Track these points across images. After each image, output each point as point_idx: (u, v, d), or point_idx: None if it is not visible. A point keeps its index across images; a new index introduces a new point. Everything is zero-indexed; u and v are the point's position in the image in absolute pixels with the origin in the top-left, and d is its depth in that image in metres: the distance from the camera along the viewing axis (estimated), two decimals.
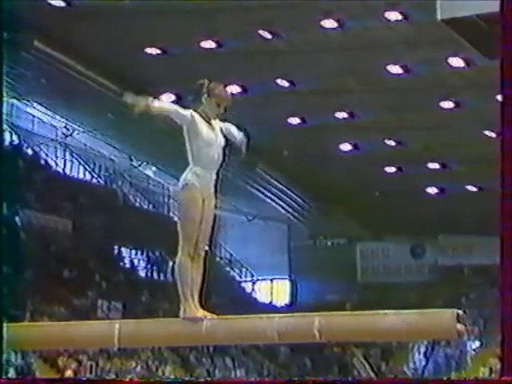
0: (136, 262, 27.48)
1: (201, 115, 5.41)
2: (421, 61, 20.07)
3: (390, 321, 4.57)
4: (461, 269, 29.03)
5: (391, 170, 27.11)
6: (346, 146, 25.58)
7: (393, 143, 25.29)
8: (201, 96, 5.46)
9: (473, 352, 24.99)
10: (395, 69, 20.88)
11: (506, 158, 4.47)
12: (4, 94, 25.16)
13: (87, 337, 5.45)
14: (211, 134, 5.39)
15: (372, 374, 25.31)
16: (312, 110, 23.30)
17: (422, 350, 26.09)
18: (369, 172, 26.31)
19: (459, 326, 4.50)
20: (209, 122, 5.43)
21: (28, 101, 25.85)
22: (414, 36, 19.05)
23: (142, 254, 27.74)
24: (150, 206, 31.31)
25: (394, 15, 18.62)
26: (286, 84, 22.23)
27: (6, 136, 26.76)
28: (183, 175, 5.37)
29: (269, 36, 20.06)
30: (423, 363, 26.06)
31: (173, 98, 23.71)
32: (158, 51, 21.19)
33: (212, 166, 5.38)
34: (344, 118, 23.72)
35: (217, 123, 5.49)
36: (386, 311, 4.68)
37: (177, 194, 5.47)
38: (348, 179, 26.84)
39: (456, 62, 19.57)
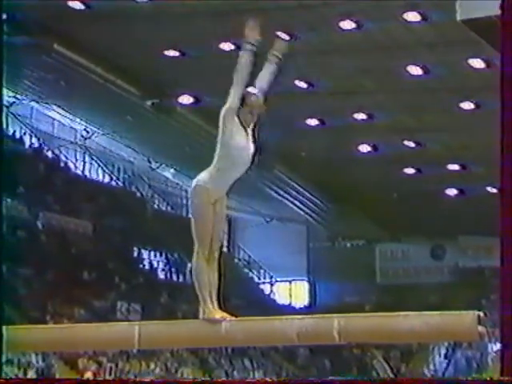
0: (155, 263, 27.56)
1: (239, 120, 5.44)
2: (440, 62, 19.98)
3: (411, 322, 4.55)
4: (481, 270, 28.86)
5: (410, 171, 27.01)
6: (364, 147, 25.52)
7: (412, 144, 25.19)
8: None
9: (494, 354, 24.85)
10: (414, 70, 20.79)
11: (505, 160, 4.46)
12: (25, 97, 25.38)
13: (107, 338, 5.47)
14: (243, 141, 5.40)
15: (392, 376, 25.22)
16: (330, 111, 23.26)
17: (443, 351, 25.95)
18: (388, 173, 26.22)
19: (480, 328, 4.47)
20: (244, 129, 5.46)
21: (48, 104, 26.01)
22: (433, 37, 18.97)
23: (161, 255, 27.83)
24: (169, 208, 31.40)
25: (412, 16, 18.55)
26: (304, 85, 22.22)
27: (26, 139, 26.97)
28: (198, 174, 5.41)
29: (287, 37, 20.04)
30: (444, 365, 25.93)
31: (191, 100, 23.79)
32: (177, 53, 21.25)
33: (235, 170, 5.38)
34: (363, 120, 23.66)
35: (250, 130, 5.53)
36: (406, 313, 4.66)
37: (189, 194, 5.51)
38: (367, 180, 26.76)
39: (476, 63, 19.46)
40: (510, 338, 4.31)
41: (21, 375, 16.54)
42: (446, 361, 25.98)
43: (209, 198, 5.30)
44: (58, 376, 17.24)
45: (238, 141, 5.32)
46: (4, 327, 5.26)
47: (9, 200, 22.95)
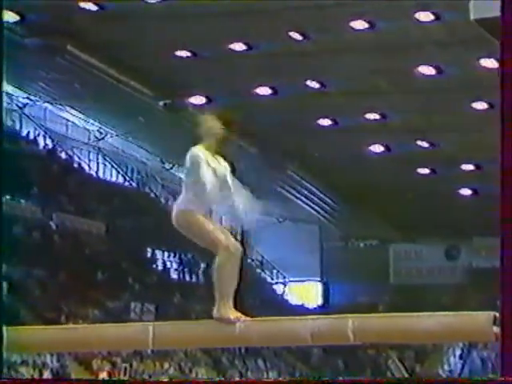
0: (168, 264, 27.61)
1: (206, 154, 5.37)
2: (453, 61, 19.91)
3: (426, 323, 4.54)
4: (495, 271, 28.59)
5: (424, 171, 26.92)
6: (377, 147, 25.47)
7: (425, 144, 25.12)
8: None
9: None
10: (427, 69, 20.74)
11: (505, 163, 4.45)
12: (38, 99, 25.49)
13: (122, 339, 5.49)
14: (213, 172, 5.30)
15: (407, 377, 25.15)
16: (343, 111, 23.23)
17: (458, 352, 25.84)
18: (401, 173, 26.15)
19: (495, 329, 4.46)
20: (212, 155, 5.40)
21: (62, 105, 26.12)
22: (446, 36, 18.91)
23: (175, 256, 27.87)
24: None
25: (425, 16, 18.50)
26: (316, 85, 22.20)
27: (40, 140, 27.09)
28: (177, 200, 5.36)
29: (299, 37, 20.05)
30: (459, 366, 25.81)
31: (204, 100, 23.83)
32: (189, 54, 21.29)
33: (213, 193, 5.28)
34: (375, 120, 23.61)
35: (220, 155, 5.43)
36: (421, 313, 4.66)
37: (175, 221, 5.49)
38: (380, 180, 26.70)
39: (489, 62, 19.38)
40: (510, 338, 4.30)
41: (36, 376, 16.63)
42: (461, 361, 25.85)
43: (197, 215, 5.25)
44: (73, 376, 17.31)
45: (207, 176, 5.22)
46: (18, 328, 5.29)
47: (23, 201, 23.06)
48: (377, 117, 23.46)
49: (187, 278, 27.68)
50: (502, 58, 4.49)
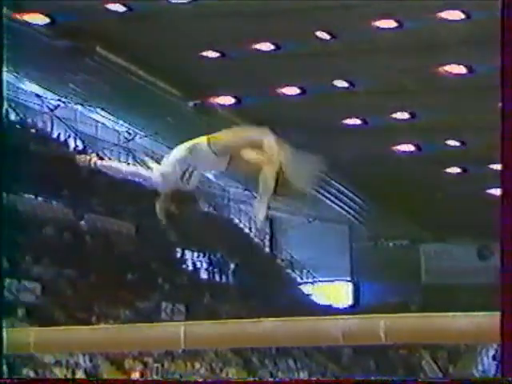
0: (198, 264, 27.70)
1: None
2: (482, 60, 19.74)
3: (459, 323, 4.51)
4: None
5: (454, 170, 26.72)
6: (406, 147, 25.32)
7: (455, 143, 24.93)
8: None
9: None
10: (457, 68, 20.58)
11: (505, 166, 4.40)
12: (69, 100, 25.71)
13: (153, 339, 5.52)
14: None
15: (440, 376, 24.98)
16: (372, 110, 23.14)
17: (491, 353, 25.59)
18: (431, 173, 25.98)
19: None
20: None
21: (92, 106, 26.32)
22: (476, 35, 18.74)
23: (204, 256, 27.95)
24: (211, 209, 31.53)
25: (454, 14, 18.37)
26: (344, 85, 22.13)
27: (71, 142, 27.32)
28: None
29: (327, 37, 20.00)
30: (493, 366, 25.55)
31: (232, 100, 23.88)
32: (217, 54, 21.34)
33: None
34: (404, 119, 23.49)
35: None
36: (454, 313, 4.63)
37: None
38: (409, 180, 26.55)
39: None
40: (510, 339, 4.26)
41: (69, 376, 16.78)
42: (495, 362, 25.60)
43: None
44: (105, 377, 17.44)
45: None
46: (53, 328, 5.35)
47: (54, 202, 23.28)
48: (406, 116, 23.33)
49: (217, 278, 27.75)
50: (502, 57, 4.45)
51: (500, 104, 4.49)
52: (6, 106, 25.42)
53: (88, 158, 5.22)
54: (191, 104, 23.95)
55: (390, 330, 4.63)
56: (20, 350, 6.14)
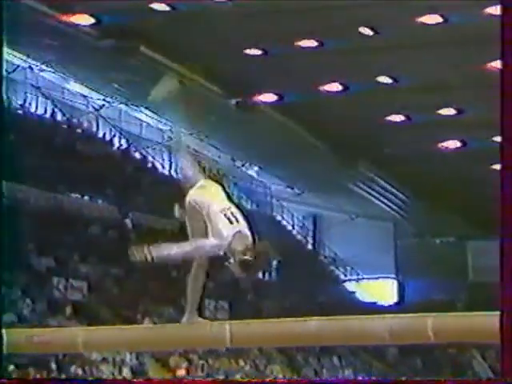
0: None
1: None
2: None
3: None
4: None
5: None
6: (453, 143, 25.04)
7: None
8: None
9: None
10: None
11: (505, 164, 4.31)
12: (113, 100, 25.95)
13: (199, 337, 5.54)
14: None
15: (491, 375, 24.64)
16: (416, 106, 22.92)
17: None
18: (477, 169, 25.63)
19: None
20: None
21: (136, 106, 26.54)
22: None
23: None
24: (254, 206, 31.57)
25: (500, 8, 18.05)
26: (388, 81, 21.95)
27: (116, 141, 27.58)
28: None
29: (370, 33, 19.85)
30: None
31: (275, 97, 23.86)
32: (260, 52, 21.34)
33: None
34: (450, 115, 23.21)
35: None
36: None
37: None
38: (456, 176, 26.23)
39: None
40: (510, 339, 4.17)
41: (116, 373, 16.96)
42: None
43: None
44: (150, 374, 17.59)
45: None
46: (101, 327, 5.40)
47: (100, 201, 23.54)
48: (451, 112, 23.05)
49: (260, 275, 27.77)
50: (502, 56, 4.37)
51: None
52: (51, 106, 25.81)
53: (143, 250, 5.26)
54: (234, 102, 23.98)
55: (438, 329, 4.57)
56: (65, 349, 6.22)
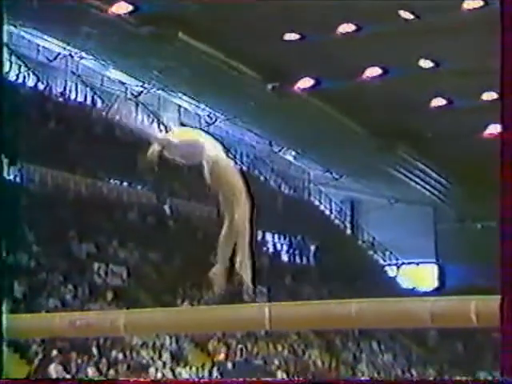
0: (279, 246, 27.76)
1: None
2: None
3: None
4: None
5: None
6: (494, 128, 24.68)
7: None
8: None
9: None
10: None
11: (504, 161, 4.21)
12: (152, 86, 26.03)
13: (238, 320, 5.55)
14: None
15: None
16: (458, 90, 22.61)
17: None
18: None
19: None
20: None
21: (174, 91, 26.62)
22: None
23: (285, 238, 27.99)
24: (292, 191, 31.52)
25: None
26: (430, 65, 21.68)
27: (154, 127, 27.70)
28: None
29: (410, 16, 19.61)
30: None
31: (312, 82, 23.73)
32: (297, 37, 21.21)
33: None
34: (492, 100, 22.85)
35: None
36: None
37: None
38: (497, 160, 25.81)
39: None
40: (509, 338, 4.08)
41: (156, 357, 17.07)
42: None
43: None
44: (189, 358, 17.69)
45: None
46: (142, 309, 5.41)
47: (139, 187, 23.71)
48: (494, 96, 22.69)
49: (298, 260, 27.76)
50: (502, 56, 4.26)
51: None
52: (91, 93, 26.01)
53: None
54: (270, 87, 23.91)
55: (481, 313, 4.51)
56: (106, 332, 6.28)
